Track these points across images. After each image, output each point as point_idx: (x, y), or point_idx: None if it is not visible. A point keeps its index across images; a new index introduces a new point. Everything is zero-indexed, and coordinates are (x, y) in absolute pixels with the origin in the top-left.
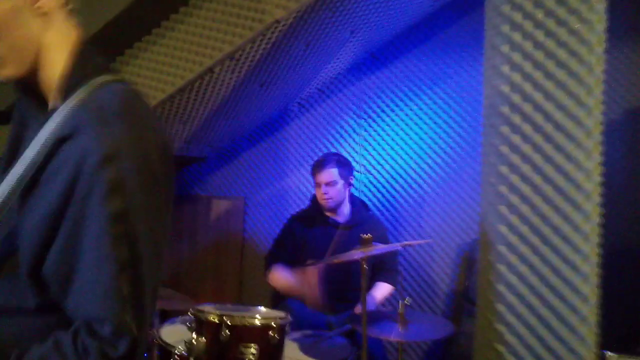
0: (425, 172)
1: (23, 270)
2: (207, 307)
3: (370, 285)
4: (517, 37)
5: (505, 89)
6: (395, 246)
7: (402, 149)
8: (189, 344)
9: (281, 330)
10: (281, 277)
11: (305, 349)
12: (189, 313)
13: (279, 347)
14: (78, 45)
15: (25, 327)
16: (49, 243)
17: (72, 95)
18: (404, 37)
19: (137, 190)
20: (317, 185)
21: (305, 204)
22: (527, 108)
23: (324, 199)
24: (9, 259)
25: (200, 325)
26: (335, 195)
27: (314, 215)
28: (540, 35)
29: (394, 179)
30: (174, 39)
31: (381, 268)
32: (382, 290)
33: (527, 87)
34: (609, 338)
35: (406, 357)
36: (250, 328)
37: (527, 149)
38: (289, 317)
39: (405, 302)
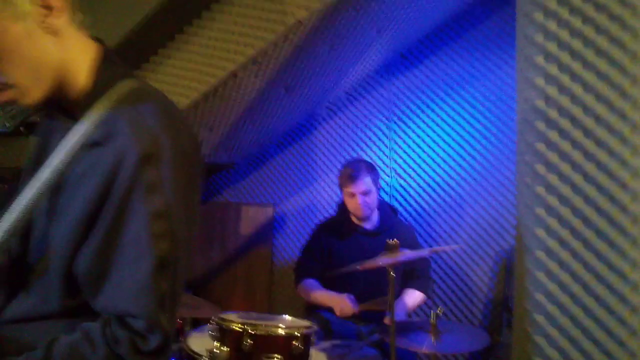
0: (459, 175)
1: (53, 272)
2: (230, 316)
3: (400, 293)
4: (552, 24)
5: (540, 81)
6: (423, 252)
7: (434, 151)
8: (211, 354)
9: (306, 340)
10: (311, 291)
11: None
12: (211, 321)
13: (304, 358)
14: (98, 54)
15: (49, 331)
16: (82, 242)
17: (97, 103)
18: (434, 36)
19: (176, 189)
20: (351, 195)
21: (335, 210)
22: (565, 101)
23: (361, 209)
24: (38, 264)
25: (223, 334)
26: (371, 203)
27: (342, 223)
28: (577, 22)
29: (427, 183)
30: (197, 44)
31: (412, 276)
32: (412, 297)
33: (564, 79)
34: None
35: None
36: (274, 337)
37: (565, 145)
38: (315, 327)
39: (438, 312)
